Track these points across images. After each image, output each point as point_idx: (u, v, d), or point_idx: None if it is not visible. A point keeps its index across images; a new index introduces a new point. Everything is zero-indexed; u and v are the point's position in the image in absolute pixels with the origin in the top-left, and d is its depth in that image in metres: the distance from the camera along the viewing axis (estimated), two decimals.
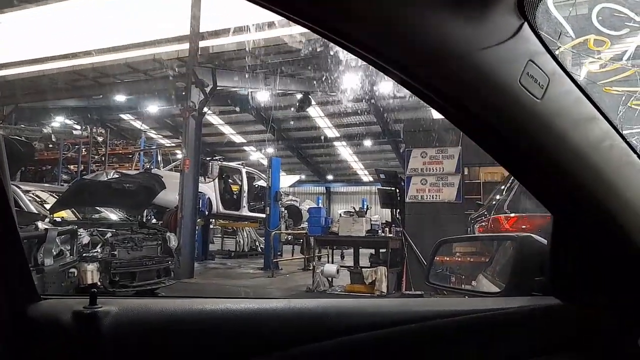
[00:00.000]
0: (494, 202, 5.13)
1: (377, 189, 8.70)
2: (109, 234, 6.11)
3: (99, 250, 5.90)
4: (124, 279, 5.90)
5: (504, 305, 0.88)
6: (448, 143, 8.23)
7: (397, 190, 8.45)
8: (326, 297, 7.17)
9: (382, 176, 8.72)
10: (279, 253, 11.10)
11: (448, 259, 5.29)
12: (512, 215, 4.37)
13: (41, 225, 5.07)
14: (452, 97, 0.63)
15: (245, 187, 12.59)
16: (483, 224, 5.11)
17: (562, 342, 0.84)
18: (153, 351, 0.74)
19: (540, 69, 0.64)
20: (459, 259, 5.50)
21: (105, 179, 8.17)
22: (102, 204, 7.24)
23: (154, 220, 10.54)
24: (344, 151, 22.45)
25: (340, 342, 0.78)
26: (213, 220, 13.13)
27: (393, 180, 8.56)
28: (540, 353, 0.84)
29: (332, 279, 7.79)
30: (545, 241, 0.92)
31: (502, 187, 5.27)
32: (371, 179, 22.91)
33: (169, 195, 8.77)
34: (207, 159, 11.79)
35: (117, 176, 8.21)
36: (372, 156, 22.15)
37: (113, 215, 7.45)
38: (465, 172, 8.66)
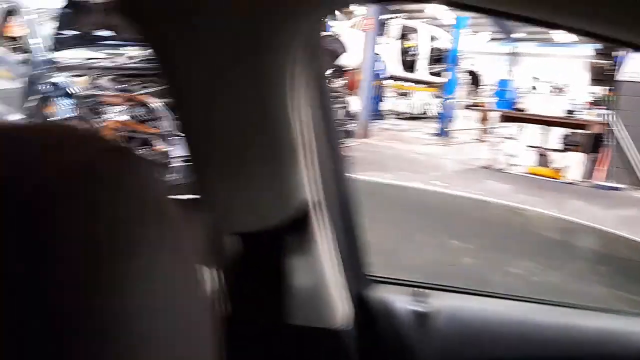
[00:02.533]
0: None
1: (590, 62, 7.26)
2: None
3: None
4: None
5: None
6: None
7: (615, 65, 6.96)
8: (504, 177, 6.89)
9: (598, 46, 7.20)
10: (451, 120, 10.73)
11: None
12: None
13: None
14: None
15: (425, 49, 11.84)
16: None
17: None
18: (474, 352, 0.78)
19: None
20: None
21: None
22: None
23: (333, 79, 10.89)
24: None
25: None
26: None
27: (612, 52, 7.02)
28: None
29: (511, 157, 7.34)
30: None
31: None
32: (574, 39, 19.28)
33: (349, 55, 8.82)
34: (387, 17, 11.18)
35: None
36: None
37: None
38: None
